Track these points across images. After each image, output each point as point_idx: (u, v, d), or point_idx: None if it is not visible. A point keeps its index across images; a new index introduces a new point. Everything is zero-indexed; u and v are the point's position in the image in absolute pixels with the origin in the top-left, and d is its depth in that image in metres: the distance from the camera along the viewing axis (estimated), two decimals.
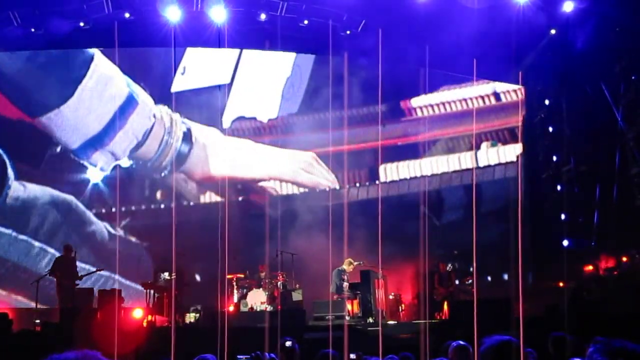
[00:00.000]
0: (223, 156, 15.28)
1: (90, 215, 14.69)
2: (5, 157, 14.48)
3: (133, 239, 14.72)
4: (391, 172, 15.86)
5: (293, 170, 15.68)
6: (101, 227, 14.66)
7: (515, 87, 15.83)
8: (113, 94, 14.77)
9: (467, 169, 15.72)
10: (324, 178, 15.65)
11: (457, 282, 13.36)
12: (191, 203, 15.21)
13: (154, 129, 14.87)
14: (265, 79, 15.84)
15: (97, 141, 14.65)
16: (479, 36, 13.07)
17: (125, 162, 14.92)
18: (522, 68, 14.74)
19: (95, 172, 14.76)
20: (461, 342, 4.88)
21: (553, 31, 14.11)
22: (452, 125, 15.80)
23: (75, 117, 14.59)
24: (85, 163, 14.77)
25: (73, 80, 14.49)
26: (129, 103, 14.78)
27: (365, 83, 14.22)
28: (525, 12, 13.23)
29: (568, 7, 13.36)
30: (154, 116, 14.93)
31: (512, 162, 15.77)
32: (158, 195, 15.08)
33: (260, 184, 15.60)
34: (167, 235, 14.21)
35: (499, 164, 15.79)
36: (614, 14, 12.77)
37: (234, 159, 15.44)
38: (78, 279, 11.96)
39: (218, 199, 15.09)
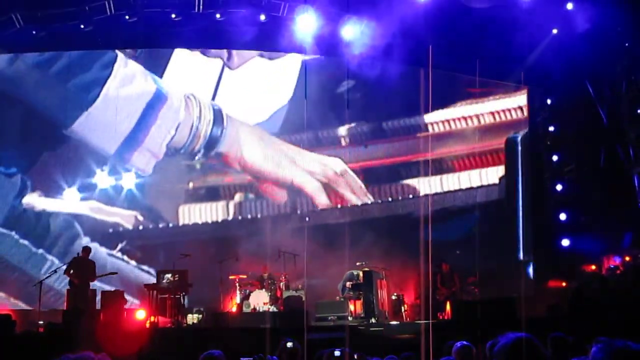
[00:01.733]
0: (255, 144, 15.29)
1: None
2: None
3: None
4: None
5: (324, 175, 15.57)
6: None
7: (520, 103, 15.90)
8: (140, 91, 14.76)
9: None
10: (353, 188, 15.63)
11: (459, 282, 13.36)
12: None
13: (184, 119, 14.87)
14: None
15: (132, 140, 14.60)
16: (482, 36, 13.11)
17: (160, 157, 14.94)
18: (524, 68, 14.77)
19: (131, 178, 14.77)
20: (465, 343, 4.88)
21: (555, 31, 14.10)
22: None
23: (106, 118, 14.53)
24: (126, 167, 14.76)
25: (96, 81, 14.52)
26: (158, 98, 14.78)
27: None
28: (529, 11, 13.23)
29: (570, 5, 13.36)
30: (184, 106, 14.92)
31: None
32: (190, 185, 15.15)
33: (291, 182, 15.49)
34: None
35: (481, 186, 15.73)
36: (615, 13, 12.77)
37: (265, 149, 15.40)
38: (92, 281, 11.98)
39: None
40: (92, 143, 14.60)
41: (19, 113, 14.59)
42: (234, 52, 15.38)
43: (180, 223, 14.94)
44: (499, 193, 15.59)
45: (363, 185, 15.57)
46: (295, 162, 15.39)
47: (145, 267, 14.41)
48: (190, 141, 14.83)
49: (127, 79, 14.75)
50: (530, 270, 14.80)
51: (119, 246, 14.49)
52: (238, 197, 15.22)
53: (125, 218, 14.71)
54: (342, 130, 15.62)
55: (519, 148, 15.73)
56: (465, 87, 15.65)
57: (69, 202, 14.52)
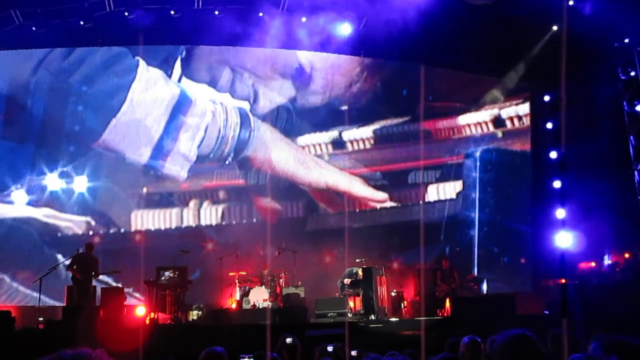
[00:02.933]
0: (284, 146, 15.32)
1: None
2: None
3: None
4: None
5: (349, 180, 15.61)
6: None
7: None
8: (165, 94, 14.64)
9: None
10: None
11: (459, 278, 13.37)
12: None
13: (211, 122, 14.77)
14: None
15: (163, 144, 14.50)
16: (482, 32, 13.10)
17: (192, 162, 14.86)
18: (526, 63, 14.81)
19: (82, 181, 14.45)
20: (474, 337, 4.83)
21: (555, 27, 14.09)
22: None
23: (135, 124, 14.39)
24: (165, 173, 14.65)
25: (121, 87, 14.35)
26: (184, 101, 14.66)
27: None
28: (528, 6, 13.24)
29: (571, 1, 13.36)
30: (210, 109, 14.85)
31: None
32: (144, 190, 14.83)
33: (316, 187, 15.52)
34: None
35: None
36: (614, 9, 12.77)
37: (292, 152, 15.43)
38: (95, 277, 11.95)
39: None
40: (122, 151, 14.41)
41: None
42: (260, 93, 15.36)
43: (133, 229, 14.58)
44: (455, 208, 15.71)
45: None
46: (320, 164, 15.49)
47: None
48: (219, 145, 14.76)
49: (150, 82, 14.59)
50: (484, 286, 14.77)
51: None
52: (193, 204, 14.93)
53: (76, 223, 14.32)
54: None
55: (478, 164, 15.81)
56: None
57: (17, 204, 14.13)
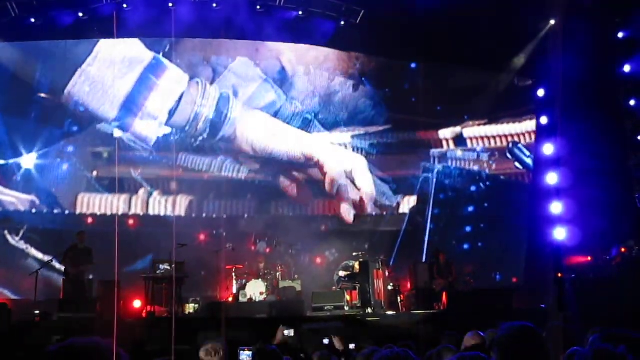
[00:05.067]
0: (263, 128, 15.07)
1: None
2: None
3: None
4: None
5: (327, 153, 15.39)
6: None
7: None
8: (137, 55, 14.29)
9: None
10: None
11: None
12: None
13: (186, 93, 14.50)
14: None
15: (131, 102, 14.12)
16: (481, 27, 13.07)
17: (165, 130, 14.56)
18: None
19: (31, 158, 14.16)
20: (477, 331, 4.82)
21: (552, 22, 14.07)
22: None
23: (102, 77, 14.09)
24: (134, 132, 14.33)
25: (89, 42, 14.14)
26: (157, 66, 14.38)
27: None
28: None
29: None
30: (188, 80, 14.61)
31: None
32: (94, 174, 14.56)
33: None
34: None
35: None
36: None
37: (274, 133, 15.17)
38: (86, 269, 11.84)
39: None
40: (90, 107, 14.12)
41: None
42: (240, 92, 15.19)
43: (77, 212, 14.30)
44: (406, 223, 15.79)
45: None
46: (299, 135, 15.29)
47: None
48: (194, 118, 14.51)
49: (121, 40, 14.22)
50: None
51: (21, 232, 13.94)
52: (142, 192, 14.63)
53: (20, 200, 14.10)
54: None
55: (434, 180, 15.91)
56: None
57: None
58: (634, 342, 2.71)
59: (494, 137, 16.06)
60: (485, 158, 16.02)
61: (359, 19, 14.31)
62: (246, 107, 14.99)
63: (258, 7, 13.90)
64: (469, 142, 16.03)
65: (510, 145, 16.04)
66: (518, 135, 16.08)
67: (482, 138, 16.04)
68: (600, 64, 13.87)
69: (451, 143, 16.01)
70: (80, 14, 13.44)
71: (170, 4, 13.44)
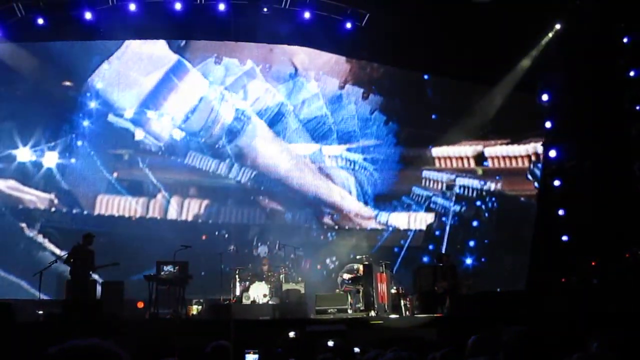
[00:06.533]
0: (273, 146, 15.36)
1: None
2: None
3: None
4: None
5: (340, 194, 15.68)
6: None
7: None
8: (161, 55, 14.72)
9: None
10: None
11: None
12: None
13: (206, 98, 14.87)
14: None
15: (151, 100, 14.51)
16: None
17: (180, 133, 14.81)
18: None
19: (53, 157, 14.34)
20: (482, 334, 4.80)
21: (558, 26, 14.08)
22: None
23: (126, 70, 14.49)
24: (150, 130, 14.59)
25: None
26: (179, 67, 14.78)
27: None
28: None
29: None
30: (207, 85, 14.96)
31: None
32: (114, 175, 14.74)
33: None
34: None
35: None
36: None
37: (280, 151, 15.46)
38: (92, 270, 11.87)
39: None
40: (112, 98, 14.47)
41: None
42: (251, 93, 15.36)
43: (96, 213, 14.47)
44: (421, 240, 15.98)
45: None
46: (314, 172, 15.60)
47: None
48: (211, 124, 14.76)
49: (150, 41, 14.69)
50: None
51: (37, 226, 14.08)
52: (160, 196, 14.82)
53: (40, 198, 14.26)
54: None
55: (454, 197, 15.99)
56: None
57: None
58: (631, 347, 2.72)
59: (515, 158, 16.02)
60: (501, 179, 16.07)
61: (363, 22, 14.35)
62: (259, 120, 15.24)
63: (265, 9, 13.93)
64: (489, 161, 16.02)
65: (532, 166, 15.96)
66: (537, 155, 16.06)
67: (503, 158, 15.97)
68: (605, 69, 13.88)
69: (472, 161, 16.00)
70: (86, 15, 13.46)
71: (177, 5, 13.49)
